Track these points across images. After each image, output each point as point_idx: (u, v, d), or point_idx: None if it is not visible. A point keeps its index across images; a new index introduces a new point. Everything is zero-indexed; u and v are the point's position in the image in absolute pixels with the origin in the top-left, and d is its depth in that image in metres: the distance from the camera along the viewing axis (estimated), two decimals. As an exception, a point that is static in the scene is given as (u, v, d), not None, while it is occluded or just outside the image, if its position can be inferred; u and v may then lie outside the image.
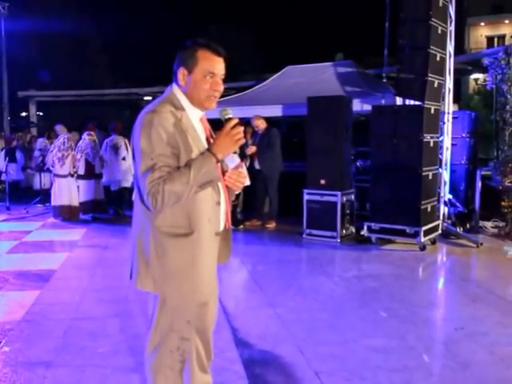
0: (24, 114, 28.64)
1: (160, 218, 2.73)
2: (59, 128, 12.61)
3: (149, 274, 2.80)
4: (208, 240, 2.82)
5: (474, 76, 24.21)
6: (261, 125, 10.16)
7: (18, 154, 14.26)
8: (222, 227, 2.95)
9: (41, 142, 14.43)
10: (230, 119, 2.75)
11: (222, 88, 2.81)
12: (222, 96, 12.38)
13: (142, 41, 45.19)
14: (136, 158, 2.69)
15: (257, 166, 10.33)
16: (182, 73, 2.77)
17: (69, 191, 11.19)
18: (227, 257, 3.15)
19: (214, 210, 2.83)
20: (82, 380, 3.98)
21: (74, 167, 11.28)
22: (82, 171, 11.39)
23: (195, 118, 2.83)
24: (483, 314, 5.47)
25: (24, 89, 23.78)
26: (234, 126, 2.71)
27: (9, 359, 4.36)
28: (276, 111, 11.12)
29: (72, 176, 11.27)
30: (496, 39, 40.00)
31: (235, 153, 3.08)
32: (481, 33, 41.34)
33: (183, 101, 2.79)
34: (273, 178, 10.21)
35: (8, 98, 19.95)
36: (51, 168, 11.58)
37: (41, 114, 29.09)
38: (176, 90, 2.81)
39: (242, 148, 2.80)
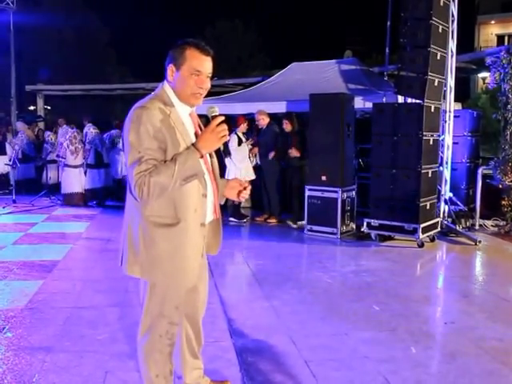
0: (32, 107, 28.82)
1: (148, 208, 2.89)
2: (20, 125, 13.43)
3: (137, 261, 2.96)
4: (194, 230, 2.97)
5: (481, 75, 24.17)
6: (261, 120, 10.31)
7: (8, 147, 14.48)
8: (208, 218, 3.10)
9: (24, 137, 14.78)
10: (215, 117, 2.89)
11: (207, 85, 2.96)
12: (229, 92, 12.55)
13: (150, 36, 45.37)
14: (125, 151, 2.85)
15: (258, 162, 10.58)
16: (170, 69, 2.93)
17: (80, 180, 12.44)
18: (217, 247, 3.30)
19: (200, 202, 2.98)
20: (81, 365, 4.13)
21: (83, 158, 12.51)
22: (92, 161, 12.55)
23: (184, 114, 2.98)
24: (474, 309, 5.60)
25: (32, 83, 23.94)
26: (220, 124, 2.85)
27: (11, 344, 4.53)
28: (280, 107, 11.21)
29: (82, 166, 12.53)
30: (506, 38, 39.82)
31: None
32: (491, 31, 41.11)
33: (172, 97, 2.94)
34: (271, 175, 10.35)
35: (16, 91, 20.09)
36: (61, 159, 12.67)
37: (48, 107, 29.26)
38: (166, 87, 2.97)
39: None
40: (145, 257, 2.95)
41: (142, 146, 2.78)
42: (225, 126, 2.87)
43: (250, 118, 11.19)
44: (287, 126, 10.03)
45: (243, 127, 10.39)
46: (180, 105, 2.97)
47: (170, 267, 2.96)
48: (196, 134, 3.00)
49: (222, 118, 2.89)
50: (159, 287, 3.01)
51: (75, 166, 12.40)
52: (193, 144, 2.87)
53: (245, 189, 3.28)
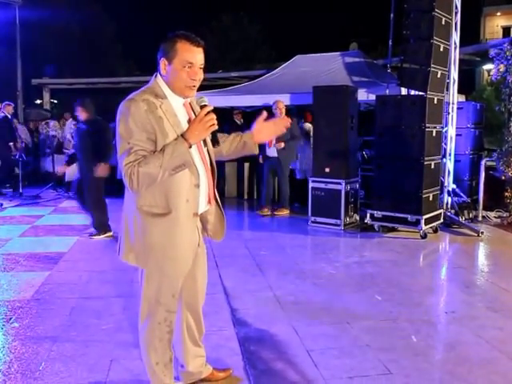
0: (38, 101, 28.86)
1: (141, 198, 2.96)
2: None
3: (132, 249, 3.05)
4: (186, 219, 3.04)
5: (487, 67, 24.09)
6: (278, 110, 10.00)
7: None
8: (201, 208, 3.16)
9: (22, 130, 15.10)
10: (204, 106, 2.93)
11: (200, 77, 2.99)
12: (234, 84, 12.60)
13: (155, 29, 45.29)
14: (116, 143, 2.92)
15: (272, 153, 10.21)
16: (163, 63, 2.96)
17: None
18: (222, 234, 3.37)
19: (192, 192, 3.03)
20: (86, 354, 4.21)
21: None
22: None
23: (177, 105, 3.02)
24: (475, 299, 5.66)
25: (38, 77, 23.96)
26: (208, 113, 2.88)
27: (18, 334, 4.62)
28: (284, 100, 11.25)
29: None
30: (512, 30, 39.63)
31: (215, 141, 3.23)
32: (497, 23, 40.92)
33: (165, 89, 2.99)
34: (285, 167, 10.35)
35: (22, 85, 20.15)
36: (65, 150, 13.47)
37: (55, 101, 29.34)
38: (159, 80, 3.01)
39: (215, 134, 2.94)
40: (139, 245, 3.03)
41: (131, 137, 2.83)
42: (213, 116, 2.88)
43: (251, 111, 11.30)
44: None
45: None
46: (173, 96, 3.00)
47: (161, 256, 3.03)
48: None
49: (211, 107, 2.91)
50: (154, 275, 3.09)
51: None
52: (181, 134, 2.90)
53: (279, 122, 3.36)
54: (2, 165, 13.34)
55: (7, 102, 13.63)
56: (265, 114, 3.36)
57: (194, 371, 3.58)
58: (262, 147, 3.66)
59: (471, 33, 30.41)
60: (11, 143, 13.13)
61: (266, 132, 3.35)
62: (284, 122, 3.36)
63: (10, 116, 13.38)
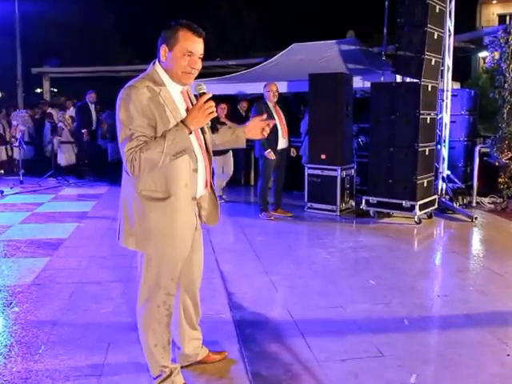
0: (39, 90, 28.82)
1: (141, 183, 3.03)
2: None
3: (132, 234, 3.11)
4: (185, 203, 3.11)
5: (482, 54, 24.09)
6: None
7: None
8: (200, 193, 3.23)
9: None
10: (203, 94, 3.00)
11: (199, 66, 3.06)
12: (232, 72, 12.64)
13: (154, 19, 45.03)
14: (117, 129, 2.98)
15: (282, 144, 8.91)
16: (163, 49, 3.02)
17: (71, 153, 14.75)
18: (217, 219, 3.45)
19: (191, 176, 3.11)
20: (85, 337, 4.31)
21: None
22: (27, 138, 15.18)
23: (175, 92, 3.09)
24: (467, 283, 5.77)
25: (39, 66, 23.91)
26: (207, 101, 2.96)
27: (19, 318, 4.71)
28: (281, 87, 11.29)
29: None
30: (508, 17, 39.43)
31: (214, 128, 3.34)
32: (493, 11, 40.75)
33: (164, 76, 3.05)
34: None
35: (22, 74, 20.11)
36: (58, 138, 14.20)
37: (55, 90, 29.32)
38: (157, 67, 3.08)
39: (214, 121, 3.04)
40: (139, 229, 3.09)
41: (132, 123, 2.89)
42: (212, 103, 2.96)
43: (251, 99, 11.32)
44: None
45: None
46: (171, 83, 3.07)
47: (161, 240, 3.09)
48: (188, 111, 3.11)
49: (210, 94, 2.98)
50: (154, 259, 3.15)
51: (71, 142, 14.63)
52: (182, 121, 2.97)
53: (268, 125, 3.51)
54: (81, 151, 14.31)
55: (91, 91, 14.10)
56: (264, 116, 3.58)
57: (191, 353, 3.67)
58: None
59: (467, 21, 30.32)
60: (84, 130, 13.76)
61: (258, 131, 3.51)
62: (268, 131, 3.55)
63: (91, 104, 13.93)
